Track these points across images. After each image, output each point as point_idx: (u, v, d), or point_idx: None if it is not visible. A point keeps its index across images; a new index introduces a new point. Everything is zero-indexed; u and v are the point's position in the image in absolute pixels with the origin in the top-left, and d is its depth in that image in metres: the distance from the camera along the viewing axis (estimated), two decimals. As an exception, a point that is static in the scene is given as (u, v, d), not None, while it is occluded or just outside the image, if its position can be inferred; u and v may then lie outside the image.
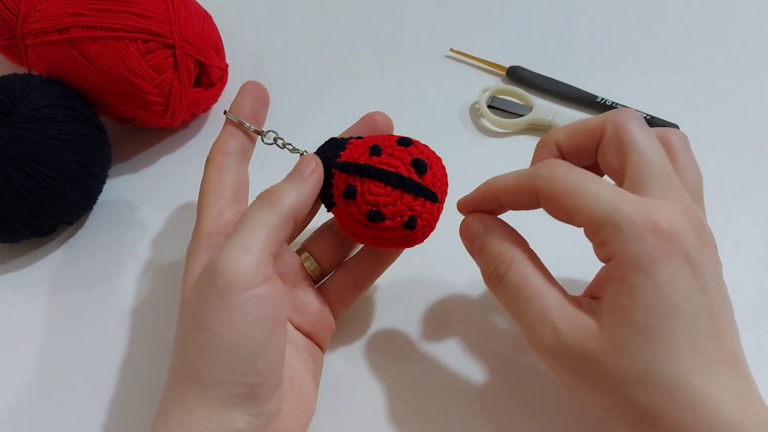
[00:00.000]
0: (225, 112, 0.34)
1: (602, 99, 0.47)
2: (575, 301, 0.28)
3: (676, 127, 0.45)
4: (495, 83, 0.50)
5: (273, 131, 0.34)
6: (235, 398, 0.27)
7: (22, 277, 0.41)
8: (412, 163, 0.31)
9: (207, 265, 0.28)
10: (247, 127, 0.33)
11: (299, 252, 0.35)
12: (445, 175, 0.33)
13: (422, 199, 0.31)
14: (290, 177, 0.32)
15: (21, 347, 0.37)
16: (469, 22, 0.55)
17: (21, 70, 0.43)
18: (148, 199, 0.44)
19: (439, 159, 0.33)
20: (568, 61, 0.51)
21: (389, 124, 0.35)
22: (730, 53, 0.51)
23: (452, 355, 0.36)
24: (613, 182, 0.29)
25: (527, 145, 0.46)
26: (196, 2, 0.46)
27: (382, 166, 0.31)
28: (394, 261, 0.35)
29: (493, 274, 0.29)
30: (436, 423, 0.34)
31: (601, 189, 0.26)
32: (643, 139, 0.28)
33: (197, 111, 0.46)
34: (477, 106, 0.48)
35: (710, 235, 0.27)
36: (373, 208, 0.31)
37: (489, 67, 0.51)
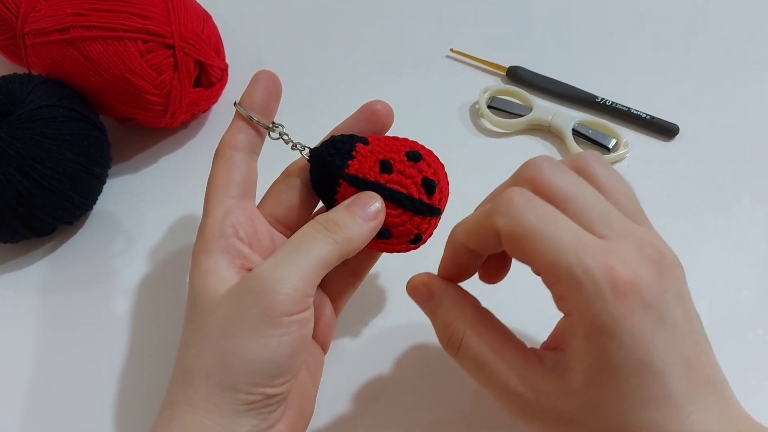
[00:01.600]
0: (235, 104, 0.32)
1: (602, 99, 0.47)
2: (537, 358, 0.27)
3: (676, 127, 0.45)
4: (495, 83, 0.50)
5: (281, 125, 0.33)
6: (248, 405, 0.27)
7: (22, 277, 0.41)
8: (423, 183, 0.31)
9: (252, 279, 0.28)
10: (256, 122, 0.32)
11: None
12: (448, 183, 0.32)
13: (429, 218, 0.31)
14: (352, 210, 0.30)
15: (21, 347, 0.37)
16: (469, 22, 0.55)
17: (21, 70, 0.43)
18: (148, 199, 0.44)
19: (443, 168, 0.32)
20: (568, 61, 0.51)
21: (390, 113, 0.33)
22: (731, 53, 0.51)
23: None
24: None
25: (527, 145, 0.46)
26: (196, 2, 0.46)
27: (393, 186, 0.30)
28: None
29: (449, 345, 0.29)
30: (436, 422, 0.34)
31: (563, 234, 0.24)
32: (563, 184, 0.26)
33: (197, 111, 0.46)
34: (477, 106, 0.48)
35: (668, 257, 0.25)
36: (382, 228, 0.31)
37: (489, 67, 0.51)
